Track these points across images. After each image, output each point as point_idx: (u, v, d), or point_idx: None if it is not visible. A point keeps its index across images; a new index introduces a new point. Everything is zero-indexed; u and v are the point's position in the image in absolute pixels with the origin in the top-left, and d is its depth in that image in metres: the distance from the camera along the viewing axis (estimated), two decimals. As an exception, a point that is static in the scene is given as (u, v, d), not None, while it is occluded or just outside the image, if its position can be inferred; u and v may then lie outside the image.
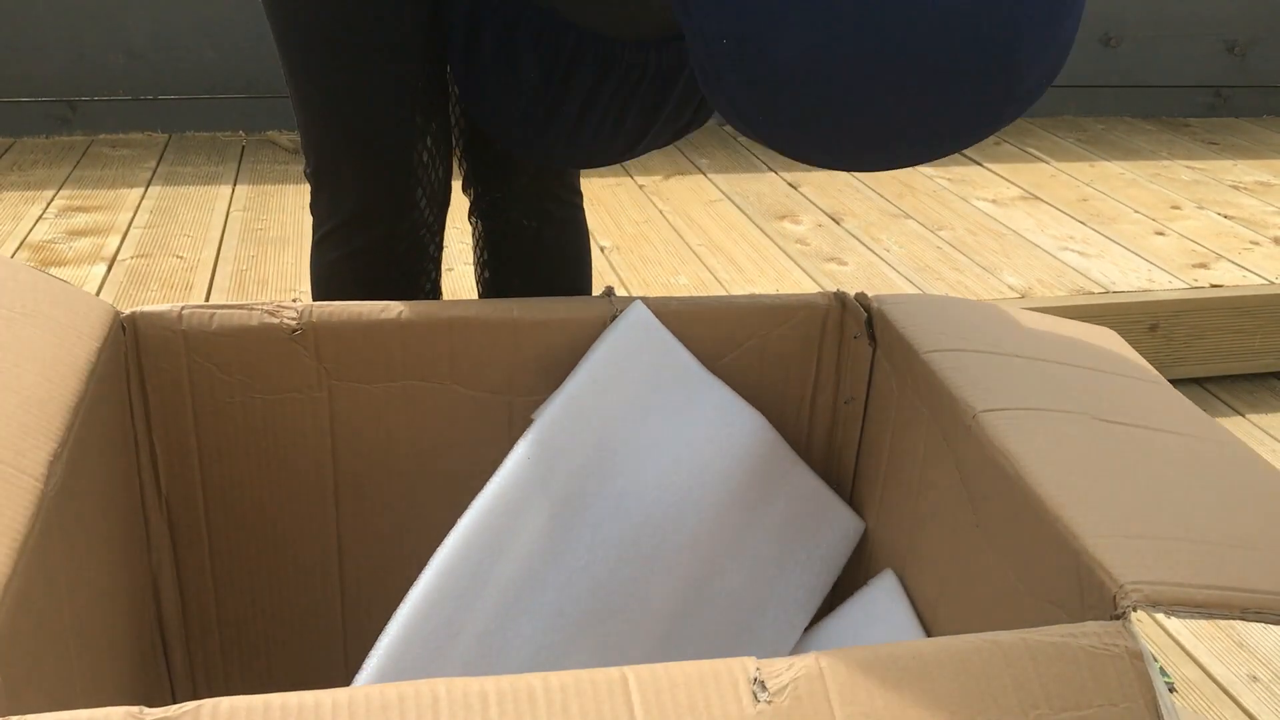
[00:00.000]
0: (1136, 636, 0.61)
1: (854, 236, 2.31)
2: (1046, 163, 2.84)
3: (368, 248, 1.13)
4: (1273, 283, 2.12)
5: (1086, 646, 0.60)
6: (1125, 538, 0.66)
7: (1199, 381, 2.09)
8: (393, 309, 0.94)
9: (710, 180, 2.65)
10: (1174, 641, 1.41)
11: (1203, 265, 2.20)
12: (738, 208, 2.47)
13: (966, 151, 2.90)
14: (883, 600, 0.91)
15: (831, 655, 0.58)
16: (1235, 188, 2.71)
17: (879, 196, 2.56)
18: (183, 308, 0.93)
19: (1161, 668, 1.36)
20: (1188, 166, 2.87)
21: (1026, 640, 0.60)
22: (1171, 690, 1.33)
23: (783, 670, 0.57)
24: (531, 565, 0.87)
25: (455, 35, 1.06)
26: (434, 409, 0.98)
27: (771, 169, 2.75)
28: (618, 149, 1.11)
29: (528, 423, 0.96)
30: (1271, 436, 1.90)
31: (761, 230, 2.34)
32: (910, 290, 2.04)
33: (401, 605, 0.83)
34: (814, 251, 2.23)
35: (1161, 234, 2.37)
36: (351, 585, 1.03)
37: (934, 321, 0.94)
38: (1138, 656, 0.60)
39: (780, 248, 2.24)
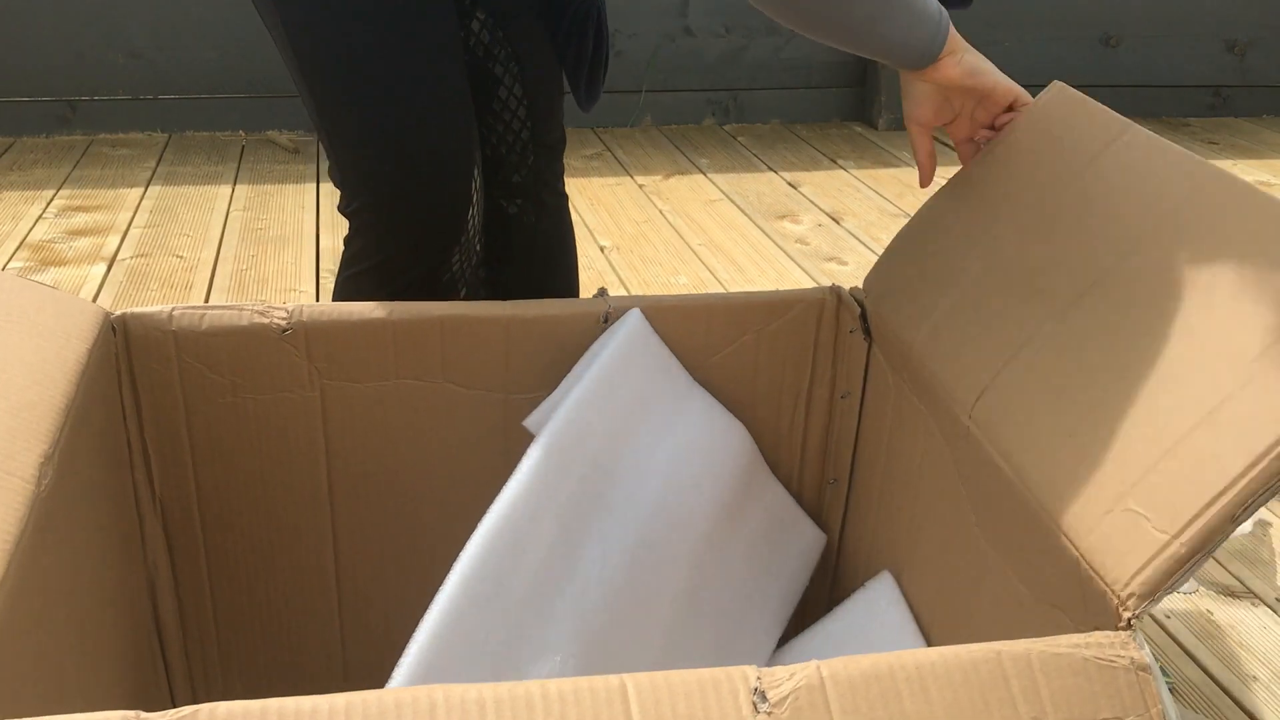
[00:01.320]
0: (1144, 647, 0.61)
1: (854, 236, 2.31)
2: (1047, 162, 2.84)
3: (410, 286, 1.10)
4: (1273, 282, 2.12)
5: (1093, 658, 0.59)
6: (1110, 517, 0.66)
7: (1199, 381, 2.08)
8: (384, 308, 0.94)
9: (710, 180, 2.65)
10: (1174, 641, 1.41)
11: (1203, 265, 2.20)
12: (738, 207, 2.46)
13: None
14: (880, 602, 0.90)
15: (833, 665, 0.57)
16: (1236, 187, 2.71)
17: (879, 196, 2.56)
18: (173, 308, 0.92)
19: (1162, 667, 1.36)
20: (1188, 166, 2.87)
21: (1032, 650, 0.59)
22: (1171, 690, 1.33)
23: (784, 680, 0.57)
24: (549, 575, 0.86)
25: (582, 65, 1.15)
26: (427, 407, 0.97)
27: (771, 169, 2.75)
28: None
29: (522, 420, 0.96)
30: (1272, 436, 1.90)
31: (761, 230, 2.33)
32: (910, 290, 2.03)
33: (430, 610, 0.82)
34: (814, 251, 2.23)
35: (1162, 233, 2.37)
36: (347, 583, 1.03)
37: (915, 296, 0.93)
38: (1144, 668, 0.59)
39: (780, 247, 2.24)
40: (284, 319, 0.93)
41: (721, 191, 2.57)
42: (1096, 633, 0.61)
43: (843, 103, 3.16)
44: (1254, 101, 3.39)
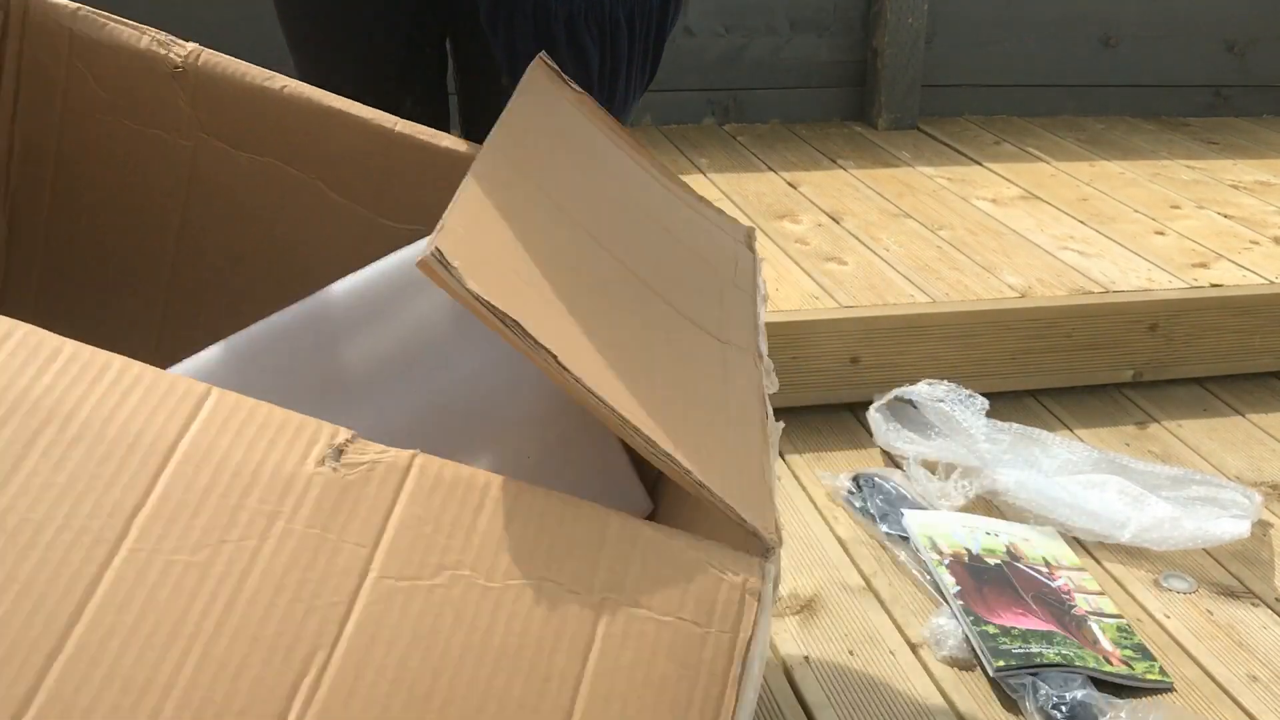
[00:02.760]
0: (768, 578, 0.56)
1: (854, 236, 2.31)
2: (1046, 162, 2.84)
3: None
4: (1273, 282, 2.12)
5: (702, 561, 0.55)
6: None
7: (1199, 381, 2.08)
8: (279, 80, 0.90)
9: (710, 180, 2.65)
10: (1174, 641, 1.41)
11: (1202, 265, 2.20)
12: (737, 207, 2.46)
13: (966, 151, 2.90)
14: None
15: (433, 461, 0.53)
16: (1235, 187, 2.71)
17: (878, 196, 2.56)
18: (79, 7, 0.88)
19: (1161, 667, 1.36)
20: (1188, 166, 2.87)
21: (646, 531, 0.55)
22: (1171, 690, 1.32)
23: (373, 452, 0.53)
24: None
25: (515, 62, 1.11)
26: (293, 200, 0.92)
27: (771, 169, 2.74)
28: (632, 104, 1.22)
29: (388, 246, 0.87)
30: (1272, 436, 1.90)
31: (761, 229, 2.33)
32: (912, 292, 2.03)
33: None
34: (814, 251, 2.22)
35: (1161, 233, 2.37)
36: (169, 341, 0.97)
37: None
38: (754, 594, 0.55)
39: (780, 247, 2.24)
40: (181, 56, 0.88)
41: (721, 191, 2.57)
42: (737, 552, 0.56)
43: (843, 103, 3.16)
44: (1254, 101, 3.39)
